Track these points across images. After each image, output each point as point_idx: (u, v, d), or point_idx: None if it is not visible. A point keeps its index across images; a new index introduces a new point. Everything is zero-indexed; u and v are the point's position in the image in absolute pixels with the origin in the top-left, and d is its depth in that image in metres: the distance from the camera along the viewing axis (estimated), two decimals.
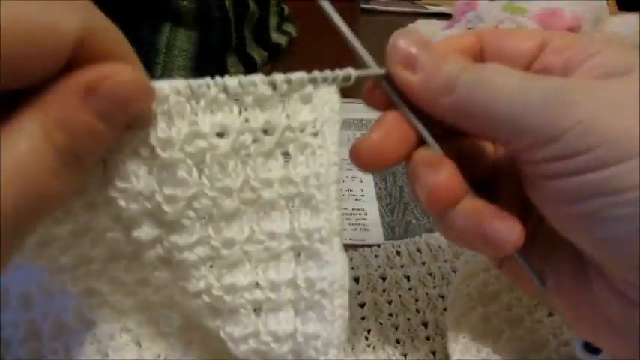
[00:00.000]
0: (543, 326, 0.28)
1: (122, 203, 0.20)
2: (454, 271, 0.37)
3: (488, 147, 0.26)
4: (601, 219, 0.19)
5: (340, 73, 0.22)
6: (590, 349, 0.23)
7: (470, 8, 0.70)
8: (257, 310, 0.23)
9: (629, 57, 0.21)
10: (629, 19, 0.70)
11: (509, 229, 0.22)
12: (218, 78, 0.21)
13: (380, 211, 0.46)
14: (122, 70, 0.17)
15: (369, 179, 0.50)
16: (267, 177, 0.22)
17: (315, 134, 0.22)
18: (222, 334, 0.23)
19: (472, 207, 0.22)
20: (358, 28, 0.95)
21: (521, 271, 0.24)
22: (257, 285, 0.23)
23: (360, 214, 0.45)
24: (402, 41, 0.22)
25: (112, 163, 0.20)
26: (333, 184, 0.22)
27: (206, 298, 0.22)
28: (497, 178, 0.25)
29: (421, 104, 0.22)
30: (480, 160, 0.26)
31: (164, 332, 0.25)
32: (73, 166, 0.17)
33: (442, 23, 0.74)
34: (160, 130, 0.20)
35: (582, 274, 0.22)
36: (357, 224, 0.44)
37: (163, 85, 0.20)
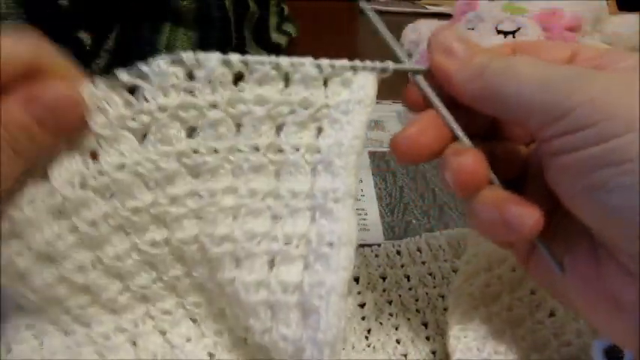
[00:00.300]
0: (544, 327, 0.29)
1: (163, 164, 0.24)
2: (454, 271, 0.37)
3: (520, 150, 0.28)
4: (604, 190, 0.20)
5: (379, 65, 0.25)
6: (611, 356, 0.23)
7: (470, 8, 0.70)
8: (270, 262, 0.25)
9: None
10: (629, 19, 0.70)
11: (528, 214, 0.23)
12: (273, 57, 0.24)
13: (380, 211, 0.46)
14: (58, 85, 0.22)
15: (369, 179, 0.50)
16: (296, 142, 0.25)
17: (346, 112, 0.24)
18: (236, 284, 0.25)
19: (494, 194, 0.24)
20: (358, 28, 0.96)
21: (545, 266, 0.25)
22: (274, 237, 0.25)
23: (360, 214, 0.45)
24: (444, 34, 0.25)
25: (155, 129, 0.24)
26: (353, 153, 0.24)
27: (228, 245, 0.25)
28: (525, 179, 0.27)
29: (454, 89, 0.25)
30: (510, 162, 0.27)
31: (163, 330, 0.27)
32: (10, 157, 0.21)
33: (442, 23, 0.74)
34: (206, 94, 0.23)
35: (594, 257, 0.23)
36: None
37: (212, 57, 0.23)
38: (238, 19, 0.68)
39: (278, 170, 0.25)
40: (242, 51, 0.71)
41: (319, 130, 0.25)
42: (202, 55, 0.23)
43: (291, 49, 0.78)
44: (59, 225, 0.23)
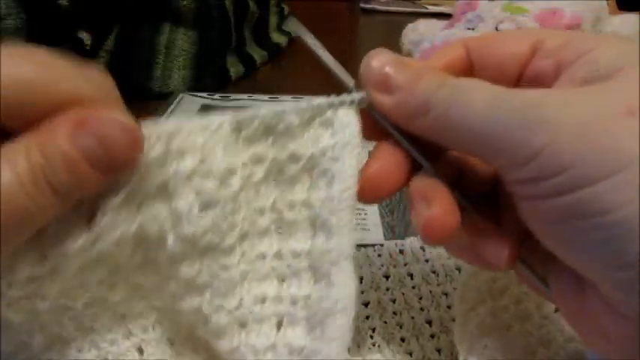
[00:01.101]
0: (550, 322, 0.28)
1: (169, 240, 0.21)
2: (458, 269, 0.37)
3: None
4: (579, 241, 0.19)
5: (322, 100, 0.22)
6: None
7: (470, 8, 0.70)
8: (278, 323, 0.24)
9: (621, 56, 0.20)
10: (629, 19, 0.70)
11: (500, 251, 0.22)
12: (260, 110, 0.22)
13: (380, 211, 0.46)
14: (114, 114, 0.18)
15: None
16: (291, 199, 0.24)
17: (334, 159, 0.22)
18: (242, 349, 0.23)
19: (467, 227, 0.23)
20: (358, 28, 0.96)
21: (529, 280, 0.24)
22: (280, 299, 0.24)
23: (360, 214, 0.45)
24: (376, 61, 0.22)
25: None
26: (345, 209, 0.22)
27: (236, 313, 0.23)
28: (498, 194, 0.25)
29: (400, 125, 0.22)
30: (481, 177, 0.25)
31: (170, 338, 0.26)
32: (47, 194, 0.17)
33: (442, 23, 0.74)
34: (218, 159, 0.21)
35: (579, 282, 0.21)
36: (357, 224, 0.44)
37: (211, 121, 0.21)
38: (238, 19, 0.68)
39: (278, 230, 0.24)
40: (242, 51, 0.71)
41: (312, 183, 0.23)
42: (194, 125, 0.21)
43: (291, 49, 0.78)
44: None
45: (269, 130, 0.23)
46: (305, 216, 0.24)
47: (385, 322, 0.34)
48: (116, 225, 0.21)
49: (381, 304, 0.35)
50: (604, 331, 0.21)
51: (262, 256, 0.24)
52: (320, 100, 0.23)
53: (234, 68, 0.68)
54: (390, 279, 0.37)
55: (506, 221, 0.24)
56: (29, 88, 0.17)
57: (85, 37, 0.57)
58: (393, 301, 0.35)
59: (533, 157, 0.18)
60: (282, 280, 0.24)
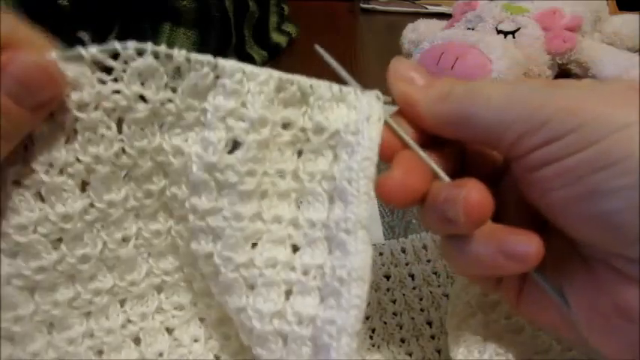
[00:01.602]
0: (544, 333, 0.28)
1: (194, 167, 0.23)
2: None
3: (495, 157, 0.27)
4: (598, 196, 0.19)
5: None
6: None
7: (470, 8, 0.70)
8: (288, 291, 0.24)
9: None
10: (629, 19, 0.70)
11: (528, 242, 0.22)
12: (298, 78, 0.23)
13: (380, 211, 0.46)
14: (25, 55, 0.20)
15: None
16: (312, 170, 0.24)
17: (355, 132, 0.23)
18: (249, 312, 0.24)
19: (487, 228, 0.23)
20: (358, 28, 0.96)
21: (538, 300, 0.24)
22: (293, 267, 0.24)
23: None
24: (401, 66, 0.25)
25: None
26: (363, 178, 0.23)
27: (244, 272, 0.24)
28: (501, 208, 0.25)
29: (420, 116, 0.24)
30: (484, 168, 0.26)
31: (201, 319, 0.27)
32: None
33: (442, 23, 0.74)
34: (256, 107, 0.23)
35: (593, 279, 0.22)
36: None
37: (261, 72, 0.23)
38: (238, 19, 0.68)
39: (298, 198, 0.25)
40: (242, 51, 0.71)
41: (335, 157, 0.24)
42: (252, 70, 0.23)
43: (291, 49, 0.78)
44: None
45: (303, 99, 0.24)
46: (325, 188, 0.24)
47: (385, 323, 0.34)
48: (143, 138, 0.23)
49: (381, 305, 0.35)
50: (628, 317, 0.21)
51: (278, 220, 0.25)
52: (347, 87, 0.24)
53: None
54: (390, 279, 0.37)
55: (510, 220, 0.24)
56: None
57: (85, 37, 0.57)
58: (394, 302, 0.35)
59: (549, 119, 0.20)
60: (296, 248, 0.25)
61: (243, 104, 0.23)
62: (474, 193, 0.22)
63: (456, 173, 0.25)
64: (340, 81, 0.24)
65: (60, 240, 0.23)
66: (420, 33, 0.71)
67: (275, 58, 0.76)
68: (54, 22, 0.56)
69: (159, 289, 0.27)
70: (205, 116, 0.23)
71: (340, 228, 0.23)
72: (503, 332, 0.28)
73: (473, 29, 0.65)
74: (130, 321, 0.26)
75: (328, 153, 0.24)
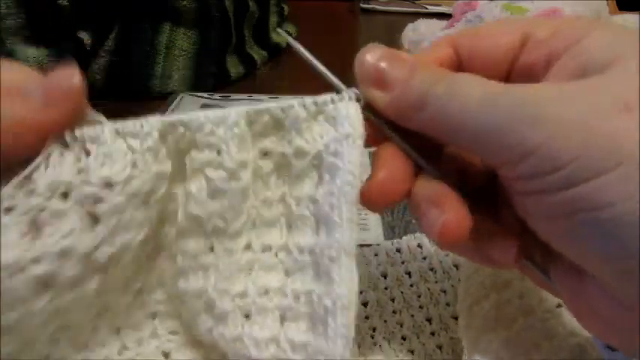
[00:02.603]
0: (553, 316, 0.28)
1: (179, 215, 0.23)
2: (455, 266, 0.37)
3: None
4: (578, 235, 0.19)
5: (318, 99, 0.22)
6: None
7: (470, 8, 0.70)
8: (282, 317, 0.24)
9: (613, 45, 0.20)
10: (629, 19, 0.70)
11: (507, 251, 0.22)
12: (270, 104, 0.23)
13: None
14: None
15: None
16: (297, 194, 0.24)
17: (336, 153, 0.22)
18: (245, 340, 0.23)
19: (472, 231, 0.22)
20: (358, 28, 0.96)
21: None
22: (284, 293, 0.24)
23: (360, 214, 0.45)
24: (370, 56, 0.22)
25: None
26: (345, 203, 0.22)
27: (240, 301, 0.24)
28: (495, 186, 0.25)
29: (396, 122, 0.22)
30: (478, 166, 0.25)
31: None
32: None
33: (442, 23, 0.74)
34: (232, 154, 0.22)
35: (578, 273, 0.21)
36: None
37: (229, 115, 0.22)
38: (238, 19, 0.68)
39: (288, 222, 0.24)
40: (242, 51, 0.71)
41: (320, 178, 0.23)
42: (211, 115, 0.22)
43: (291, 49, 0.78)
44: None
45: (277, 125, 0.23)
46: (312, 211, 0.23)
47: (385, 322, 0.34)
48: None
49: (380, 304, 0.35)
50: (605, 320, 0.21)
51: (269, 248, 0.24)
52: (322, 97, 0.23)
53: (234, 68, 0.69)
54: (387, 278, 0.37)
55: (504, 216, 0.24)
56: None
57: (85, 37, 0.57)
58: (392, 300, 0.35)
59: (530, 154, 0.18)
60: (287, 273, 0.24)
61: (219, 152, 0.22)
62: (451, 217, 0.21)
63: (443, 156, 0.24)
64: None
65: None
66: (420, 33, 0.71)
67: (275, 58, 0.76)
68: (54, 22, 0.56)
69: (153, 315, 0.27)
70: (185, 169, 0.23)
71: (325, 254, 0.22)
72: (516, 314, 0.28)
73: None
74: (126, 347, 0.26)
75: (313, 174, 0.23)
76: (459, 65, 0.24)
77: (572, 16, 0.62)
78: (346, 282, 0.22)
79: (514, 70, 0.23)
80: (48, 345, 0.23)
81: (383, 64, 0.21)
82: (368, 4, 0.99)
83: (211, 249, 0.23)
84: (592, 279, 0.20)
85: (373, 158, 0.23)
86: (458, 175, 0.24)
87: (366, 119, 0.23)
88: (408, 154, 0.23)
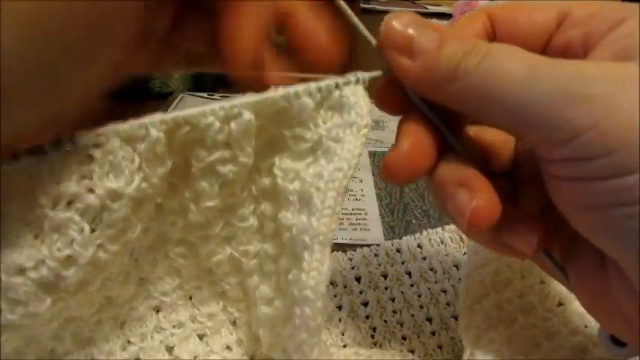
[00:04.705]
0: (554, 315, 0.28)
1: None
2: (455, 266, 0.37)
3: (509, 140, 0.25)
4: (622, 229, 0.18)
5: (351, 77, 0.21)
6: (617, 341, 0.22)
7: (470, 8, 0.70)
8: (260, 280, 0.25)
9: None
10: None
11: (528, 240, 0.21)
12: (275, 93, 0.22)
13: (380, 211, 0.46)
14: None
15: (369, 179, 0.50)
16: (285, 167, 0.23)
17: (337, 140, 0.21)
18: (257, 294, 0.25)
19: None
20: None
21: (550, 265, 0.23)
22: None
23: (360, 214, 0.45)
24: (397, 22, 0.20)
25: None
26: (331, 190, 0.21)
27: (229, 249, 0.25)
28: (520, 166, 0.24)
29: (423, 92, 0.21)
30: (500, 154, 0.24)
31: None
32: None
33: (442, 23, 0.74)
34: (244, 151, 0.23)
35: (602, 269, 0.21)
36: (357, 224, 0.44)
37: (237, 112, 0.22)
38: None
39: (275, 199, 0.24)
40: None
41: (313, 160, 0.22)
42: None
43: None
44: None
45: (282, 114, 0.22)
46: (297, 188, 0.22)
47: (385, 322, 0.34)
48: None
49: (380, 304, 0.35)
50: (626, 317, 0.20)
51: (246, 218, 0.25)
52: (326, 82, 0.22)
53: None
54: (388, 278, 0.37)
55: (525, 200, 0.23)
56: None
57: None
58: (393, 300, 0.35)
59: (577, 136, 0.17)
60: (263, 241, 0.25)
61: (229, 148, 0.22)
62: (483, 202, 0.20)
63: (463, 137, 0.23)
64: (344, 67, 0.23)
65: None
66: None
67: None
68: None
69: (157, 309, 0.27)
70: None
71: (298, 240, 0.21)
72: (517, 313, 0.28)
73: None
74: (129, 342, 0.26)
75: (308, 156, 0.22)
76: (493, 38, 0.23)
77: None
78: (314, 272, 0.21)
79: (549, 49, 0.22)
80: (52, 340, 0.23)
81: (411, 31, 0.20)
82: (368, 4, 0.99)
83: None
84: (619, 279, 0.20)
85: (398, 128, 0.22)
86: (479, 158, 0.23)
87: (388, 87, 0.22)
88: (438, 128, 0.21)
